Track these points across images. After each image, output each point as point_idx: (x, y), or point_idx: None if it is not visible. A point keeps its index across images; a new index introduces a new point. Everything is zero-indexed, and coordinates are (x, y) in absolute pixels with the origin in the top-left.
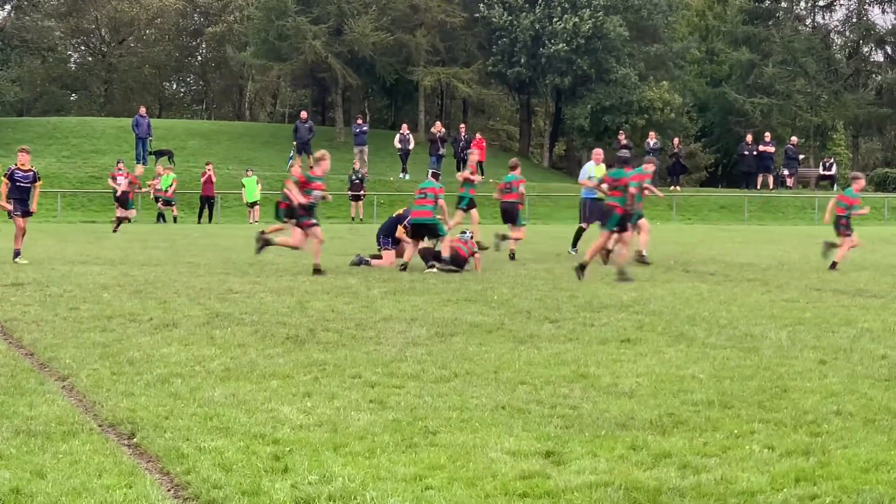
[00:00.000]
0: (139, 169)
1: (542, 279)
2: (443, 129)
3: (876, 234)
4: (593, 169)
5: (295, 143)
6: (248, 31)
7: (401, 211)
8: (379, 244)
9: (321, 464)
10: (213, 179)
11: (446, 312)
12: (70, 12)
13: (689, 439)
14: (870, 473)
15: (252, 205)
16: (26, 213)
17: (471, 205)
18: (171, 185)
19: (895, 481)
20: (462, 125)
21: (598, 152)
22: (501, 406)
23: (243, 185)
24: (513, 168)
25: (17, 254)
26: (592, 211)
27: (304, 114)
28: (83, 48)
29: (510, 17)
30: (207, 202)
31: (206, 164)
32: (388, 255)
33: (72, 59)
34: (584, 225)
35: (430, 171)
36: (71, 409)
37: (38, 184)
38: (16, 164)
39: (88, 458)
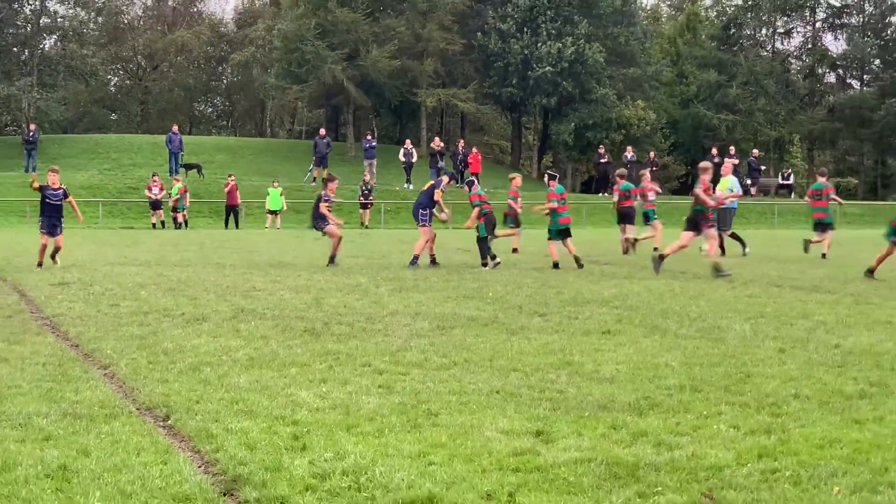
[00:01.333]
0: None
1: (532, 278)
2: (441, 144)
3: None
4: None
5: (314, 157)
6: (269, 58)
7: (431, 182)
8: (418, 220)
9: (335, 443)
10: (237, 189)
11: (447, 308)
12: (110, 41)
13: (664, 420)
14: (825, 449)
15: (273, 212)
16: (52, 232)
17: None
18: (178, 194)
19: (848, 456)
20: (460, 140)
21: (727, 167)
22: (496, 390)
23: (268, 194)
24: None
25: (40, 265)
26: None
27: (322, 131)
28: (122, 73)
29: (503, 44)
30: (232, 210)
31: (229, 175)
32: (427, 231)
33: (112, 83)
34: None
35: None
36: (112, 395)
37: (70, 199)
38: (46, 182)
39: (128, 438)
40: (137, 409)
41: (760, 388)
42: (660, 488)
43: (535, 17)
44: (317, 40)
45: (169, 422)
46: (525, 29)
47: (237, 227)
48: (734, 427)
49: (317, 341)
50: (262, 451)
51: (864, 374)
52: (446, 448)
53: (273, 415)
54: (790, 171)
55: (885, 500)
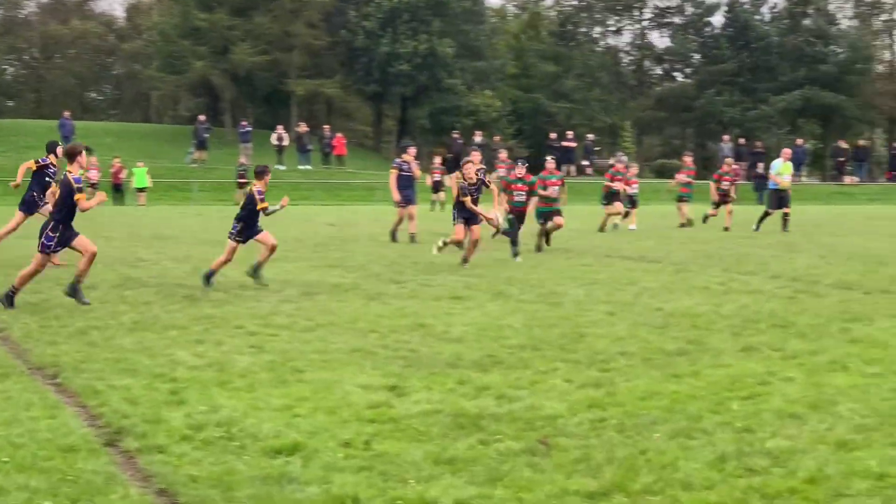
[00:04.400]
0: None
1: (391, 249)
2: (307, 129)
3: (658, 210)
4: (780, 164)
5: (194, 140)
6: (152, 50)
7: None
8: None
9: (210, 397)
10: (123, 170)
11: (313, 276)
12: (5, 32)
13: (505, 375)
14: (647, 401)
15: (140, 190)
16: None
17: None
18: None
19: (667, 406)
20: (326, 126)
21: (787, 152)
22: (356, 349)
23: (132, 174)
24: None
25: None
26: (772, 199)
27: (202, 117)
28: (17, 63)
29: (369, 41)
30: (117, 188)
31: (115, 157)
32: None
33: (7, 72)
34: (770, 210)
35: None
36: (5, 356)
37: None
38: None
39: (19, 395)
40: (29, 369)
41: (592, 346)
42: (500, 436)
43: (393, 18)
44: (184, 40)
45: (58, 380)
46: (387, 28)
47: (123, 203)
48: (568, 381)
49: (195, 306)
50: (143, 405)
51: (682, 334)
52: (310, 401)
53: (153, 373)
54: (623, 153)
55: (699, 444)
